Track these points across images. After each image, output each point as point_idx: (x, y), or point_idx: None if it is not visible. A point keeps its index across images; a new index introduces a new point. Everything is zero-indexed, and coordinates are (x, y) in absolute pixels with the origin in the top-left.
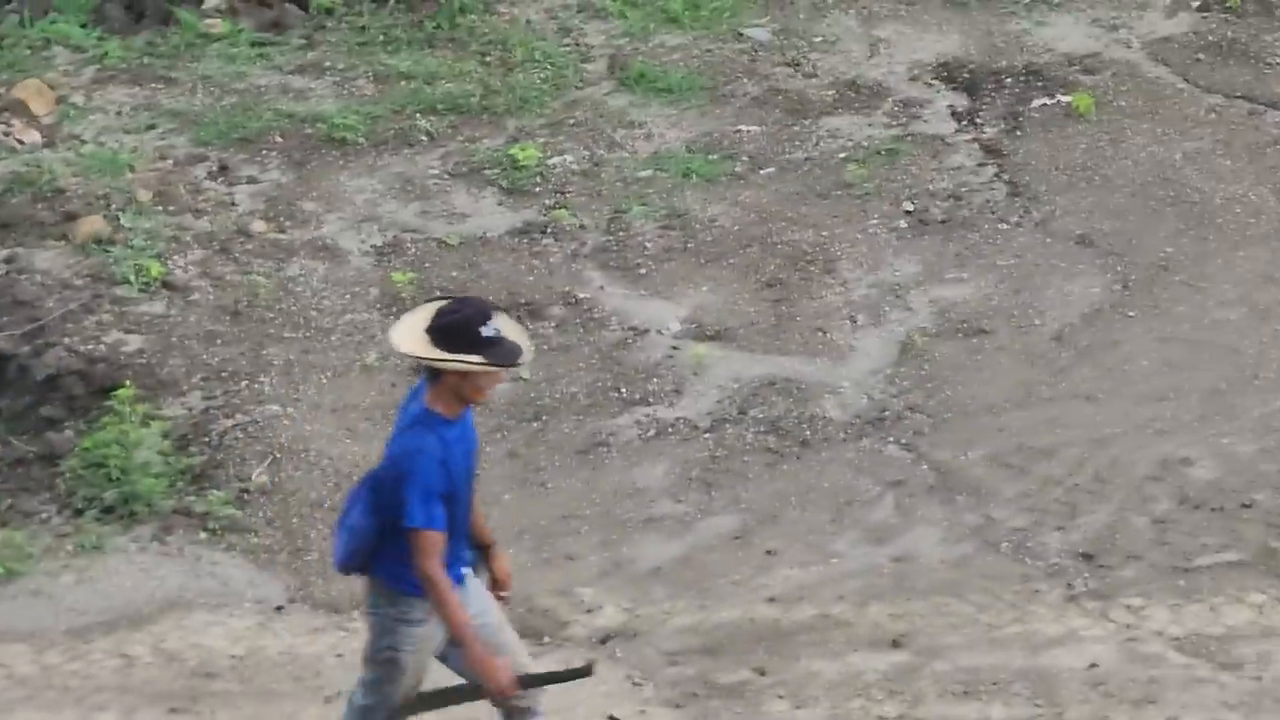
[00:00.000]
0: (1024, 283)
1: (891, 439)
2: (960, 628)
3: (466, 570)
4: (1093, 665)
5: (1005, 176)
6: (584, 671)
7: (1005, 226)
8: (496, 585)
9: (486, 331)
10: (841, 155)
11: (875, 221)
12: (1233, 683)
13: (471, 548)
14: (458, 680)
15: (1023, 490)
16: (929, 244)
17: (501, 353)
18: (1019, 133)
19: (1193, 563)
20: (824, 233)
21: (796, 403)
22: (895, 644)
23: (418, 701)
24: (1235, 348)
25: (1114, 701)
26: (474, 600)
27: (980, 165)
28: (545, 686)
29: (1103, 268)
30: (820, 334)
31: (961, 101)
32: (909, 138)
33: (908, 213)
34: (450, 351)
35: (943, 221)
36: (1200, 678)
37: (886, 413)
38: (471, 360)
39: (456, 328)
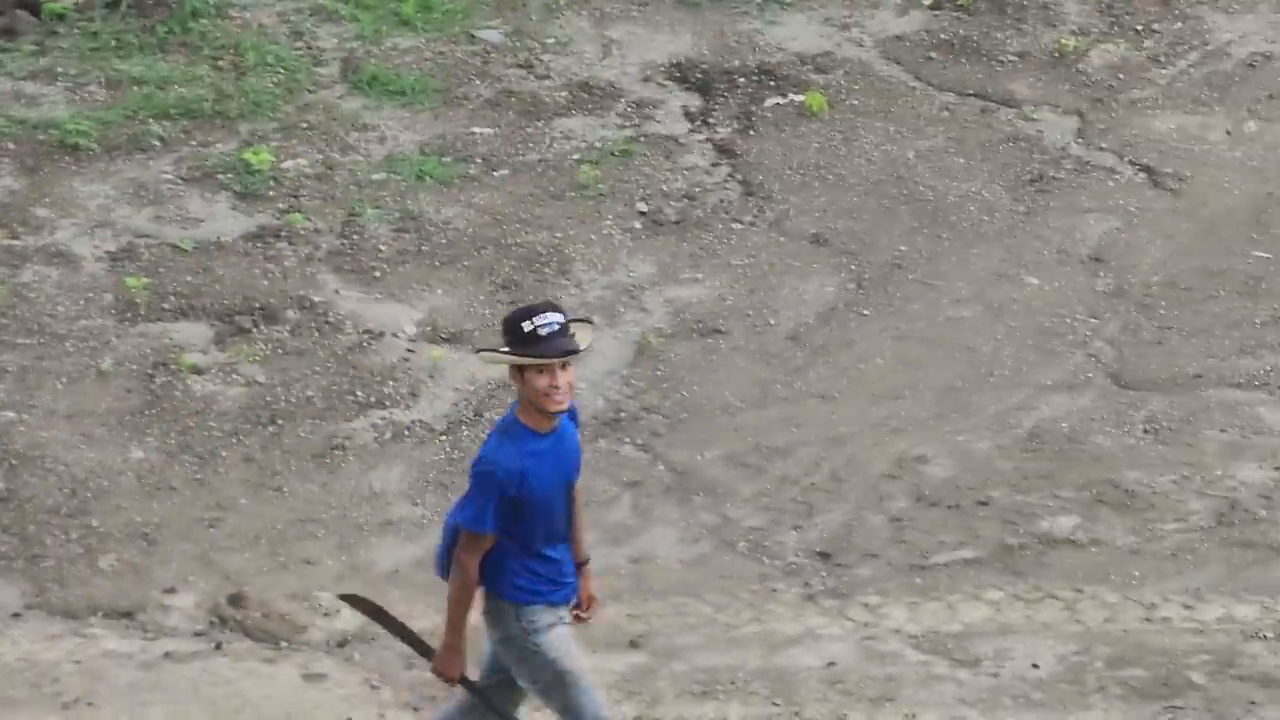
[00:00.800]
0: (758, 282)
1: (628, 440)
2: (698, 628)
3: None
4: (830, 663)
5: (739, 176)
6: (507, 715)
7: (739, 226)
8: (578, 606)
9: (527, 327)
10: (575, 156)
11: (609, 222)
12: (970, 679)
13: None
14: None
15: (759, 490)
16: (663, 244)
17: (535, 348)
18: (752, 132)
19: (930, 560)
20: (558, 234)
21: None
22: (633, 644)
23: (370, 608)
24: (970, 345)
25: (852, 699)
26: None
27: (714, 165)
28: (483, 704)
29: (837, 266)
30: None
31: (694, 102)
32: (642, 138)
33: (642, 213)
34: (497, 350)
35: (677, 222)
36: (937, 674)
37: (622, 413)
38: (500, 350)
39: (505, 324)
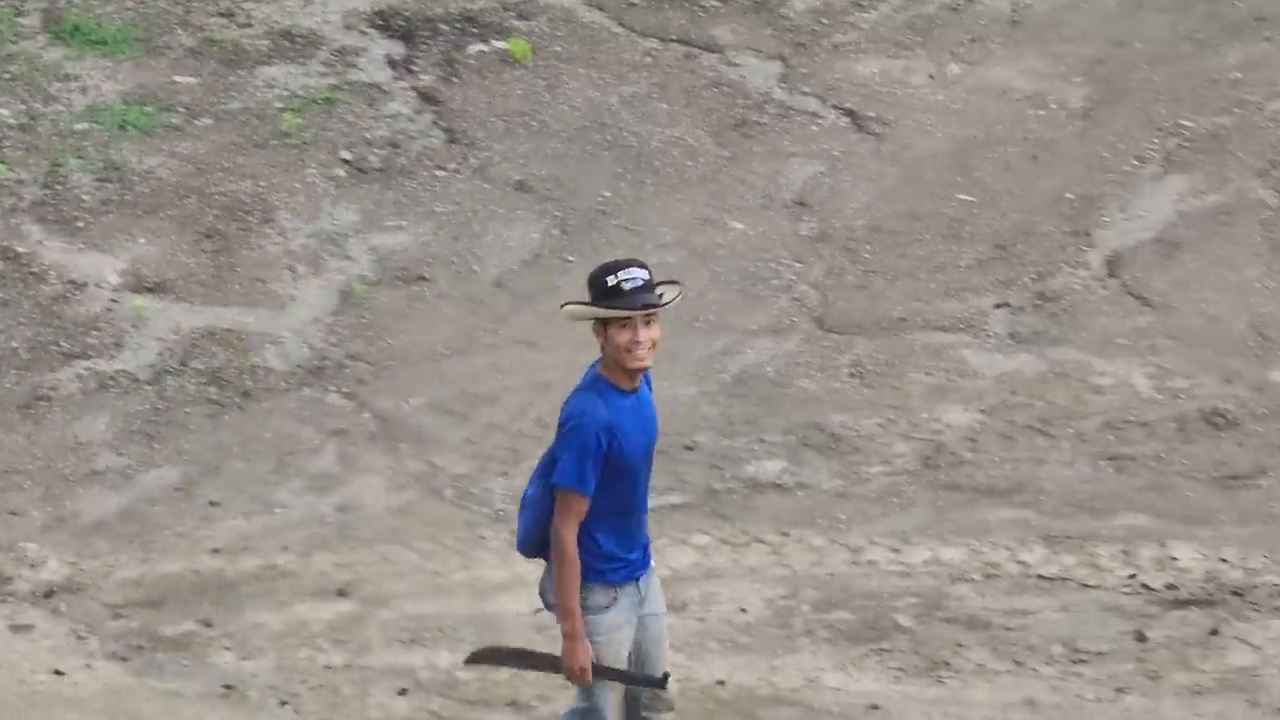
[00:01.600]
0: (463, 229)
1: (333, 388)
2: (406, 575)
3: (651, 559)
4: (538, 609)
5: (443, 124)
6: (659, 681)
7: (443, 174)
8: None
9: (611, 281)
10: (278, 105)
11: (313, 171)
12: (677, 624)
13: None
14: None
15: (466, 437)
16: (367, 192)
17: (618, 302)
18: (455, 80)
19: None
20: (262, 183)
21: (237, 354)
22: (341, 593)
23: (499, 653)
24: None
25: (558, 645)
26: (652, 598)
27: (417, 113)
28: (626, 685)
29: (541, 213)
30: (260, 284)
31: (397, 49)
32: (345, 86)
33: (345, 162)
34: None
35: (380, 170)
36: None
37: (328, 361)
38: (583, 304)
39: (590, 279)
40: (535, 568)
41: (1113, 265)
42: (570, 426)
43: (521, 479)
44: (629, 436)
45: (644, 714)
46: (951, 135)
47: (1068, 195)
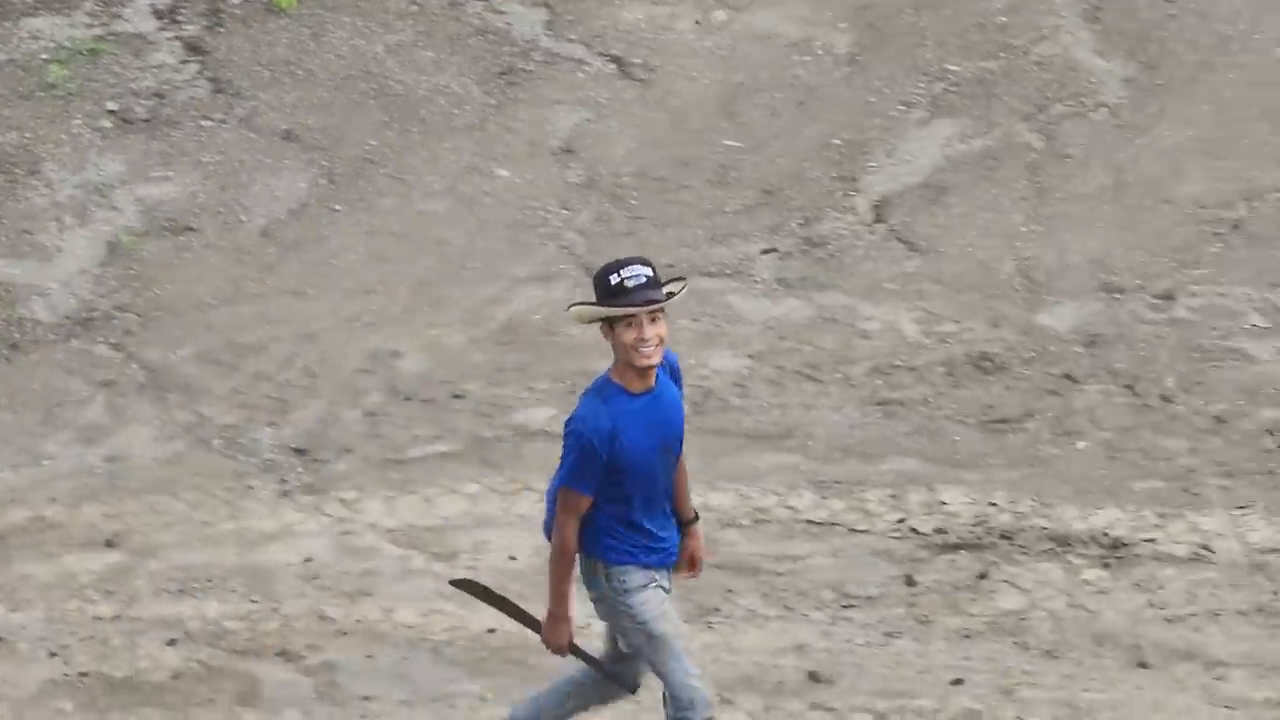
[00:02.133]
0: (230, 180)
1: (101, 339)
2: (175, 526)
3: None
4: (308, 559)
5: (208, 74)
6: (629, 690)
7: (209, 124)
8: (688, 564)
9: (614, 279)
10: (44, 56)
11: (79, 122)
12: (447, 572)
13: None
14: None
15: (234, 387)
16: (133, 143)
17: (621, 300)
18: (221, 29)
19: (405, 455)
20: (27, 134)
21: (4, 305)
22: (109, 544)
23: (478, 589)
24: (442, 239)
25: (330, 594)
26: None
27: (183, 63)
28: (596, 672)
29: (308, 163)
30: (26, 236)
31: None
32: (111, 37)
33: (111, 113)
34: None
35: (146, 120)
36: (415, 569)
37: (95, 313)
38: (587, 305)
39: (595, 280)
40: (305, 516)
41: (880, 210)
42: (570, 431)
43: (290, 429)
44: (634, 440)
45: (600, 693)
46: (717, 81)
47: (834, 141)
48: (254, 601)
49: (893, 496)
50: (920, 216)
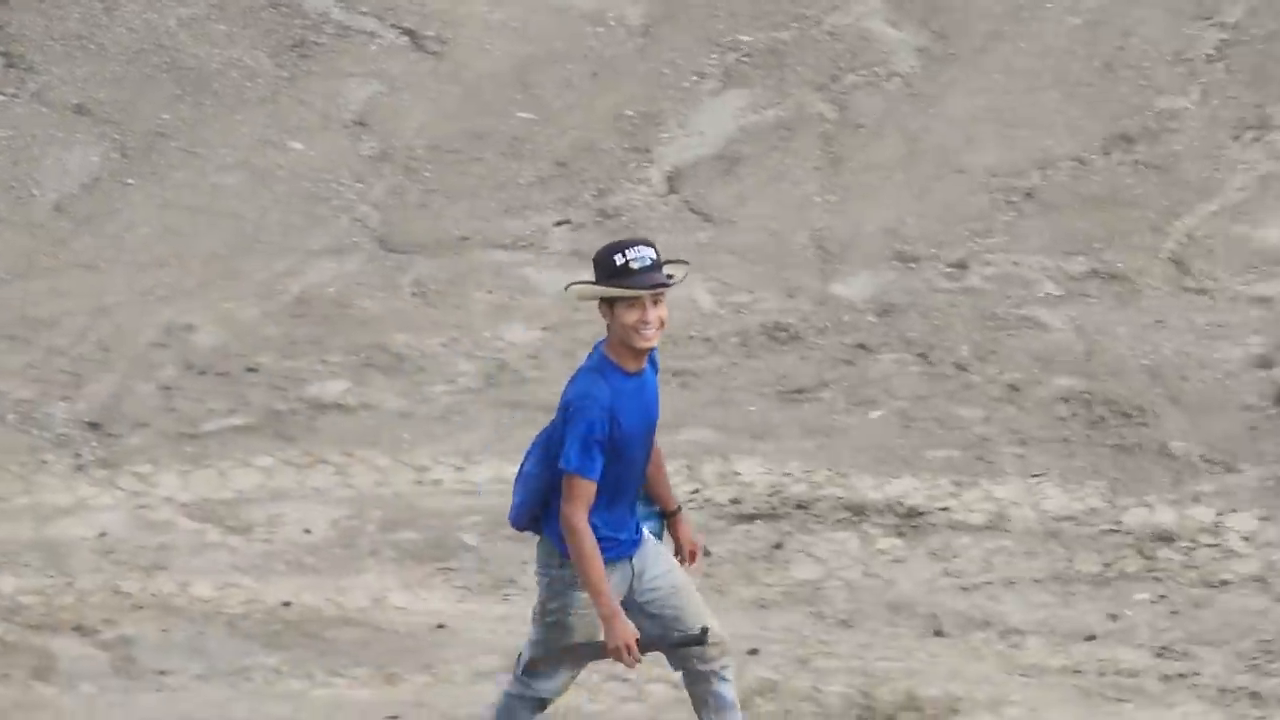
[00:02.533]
0: (21, 154)
1: None
2: None
3: (645, 537)
4: (103, 534)
5: (1, 49)
6: (699, 639)
7: (1, 98)
8: (681, 556)
9: (619, 260)
10: None
11: None
12: (243, 546)
13: (654, 514)
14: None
15: (27, 362)
16: None
17: (626, 281)
18: (10, 3)
19: (200, 428)
20: None
21: None
22: None
23: (547, 658)
24: (236, 212)
25: (125, 569)
26: (653, 562)
27: None
28: (671, 651)
29: (100, 136)
30: None
31: None
32: None
33: None
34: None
35: None
36: (210, 542)
37: None
38: (590, 284)
39: (597, 258)
40: (99, 491)
41: (673, 181)
42: (574, 409)
43: (84, 403)
44: (629, 419)
45: (700, 667)
46: (511, 53)
47: (628, 112)
48: (49, 576)
49: (688, 467)
50: (713, 187)
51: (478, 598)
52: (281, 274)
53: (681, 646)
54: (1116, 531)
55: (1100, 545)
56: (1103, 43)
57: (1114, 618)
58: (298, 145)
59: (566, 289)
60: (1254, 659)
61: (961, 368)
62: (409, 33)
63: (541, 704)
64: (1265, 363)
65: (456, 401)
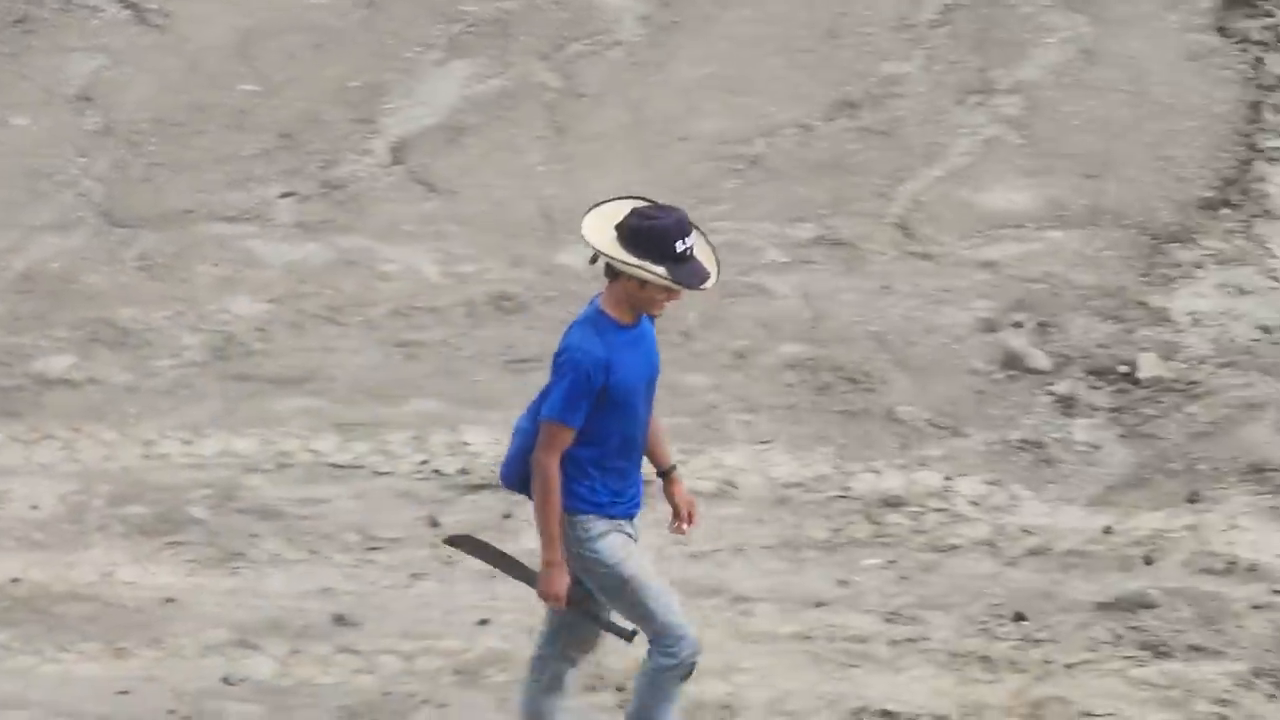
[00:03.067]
0: None
1: None
2: None
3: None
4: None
5: None
6: (628, 634)
7: None
8: (676, 515)
9: (680, 246)
10: None
11: None
12: None
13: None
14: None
15: None
16: None
17: (686, 273)
18: None
19: None
20: None
21: None
22: None
23: (473, 544)
24: None
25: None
26: (639, 540)
27: None
28: (591, 624)
29: None
30: None
31: None
32: None
33: None
34: (637, 257)
35: None
36: None
37: None
38: (656, 271)
39: (651, 234)
40: None
41: (398, 152)
42: (564, 359)
43: None
44: (627, 372)
45: (575, 654)
46: (233, 25)
47: (352, 83)
48: None
49: (416, 438)
50: (438, 158)
51: (206, 571)
52: (4, 250)
53: (608, 632)
54: (845, 497)
55: (829, 511)
56: (826, 9)
57: (843, 583)
58: (20, 120)
59: (593, 261)
60: (983, 622)
61: (688, 336)
62: (132, 6)
63: (689, 672)
64: (990, 327)
65: (183, 375)
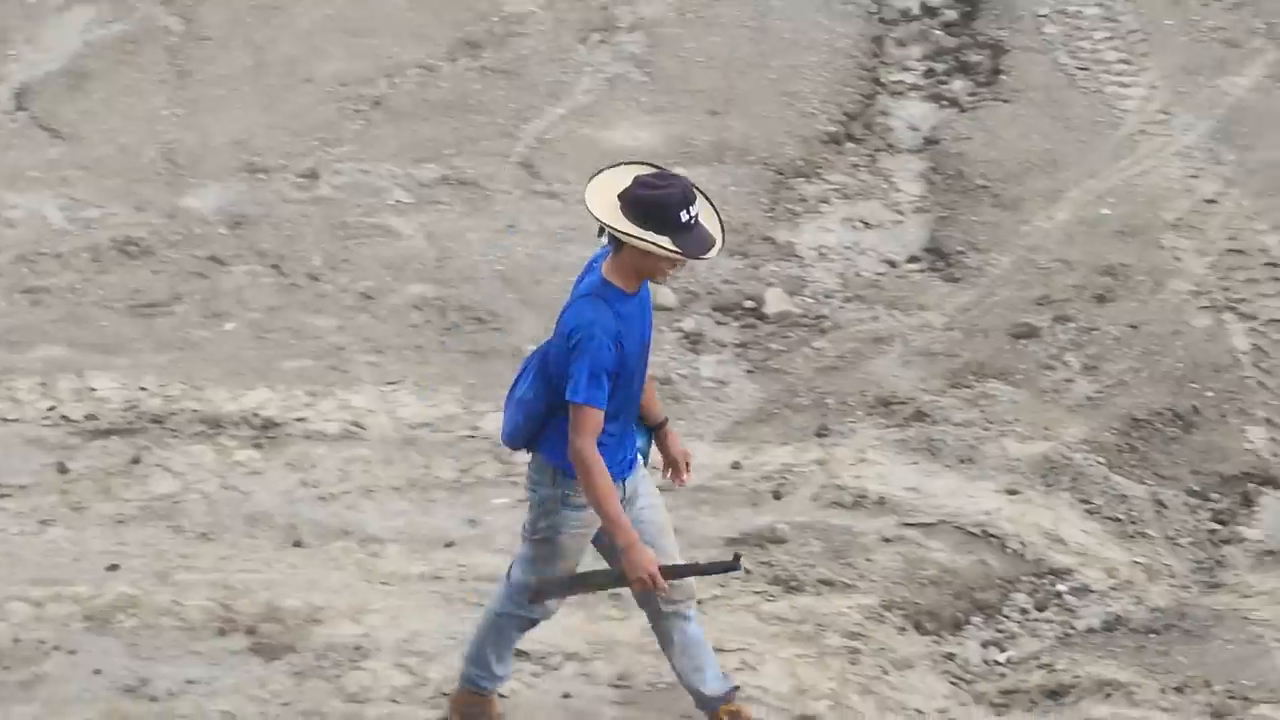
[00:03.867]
0: None
1: None
2: None
3: (638, 459)
4: None
5: None
6: (731, 564)
7: None
8: (672, 468)
9: (684, 216)
10: None
11: None
12: None
13: (643, 431)
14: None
15: None
16: None
17: (691, 241)
18: None
19: None
20: None
21: None
22: None
23: (558, 584)
24: None
25: None
26: (644, 490)
27: None
28: (690, 579)
29: None
30: None
31: None
32: None
33: None
34: (641, 227)
35: None
36: None
37: None
38: (659, 243)
39: (655, 204)
40: None
41: (21, 98)
42: (581, 338)
43: None
44: (631, 341)
45: (665, 608)
46: None
47: None
48: None
49: (42, 384)
50: (62, 103)
51: None
52: None
53: (713, 573)
54: (473, 437)
55: (457, 451)
56: None
57: (473, 523)
58: None
59: (602, 233)
60: None
61: (314, 278)
62: None
63: (532, 623)
64: None
65: None
